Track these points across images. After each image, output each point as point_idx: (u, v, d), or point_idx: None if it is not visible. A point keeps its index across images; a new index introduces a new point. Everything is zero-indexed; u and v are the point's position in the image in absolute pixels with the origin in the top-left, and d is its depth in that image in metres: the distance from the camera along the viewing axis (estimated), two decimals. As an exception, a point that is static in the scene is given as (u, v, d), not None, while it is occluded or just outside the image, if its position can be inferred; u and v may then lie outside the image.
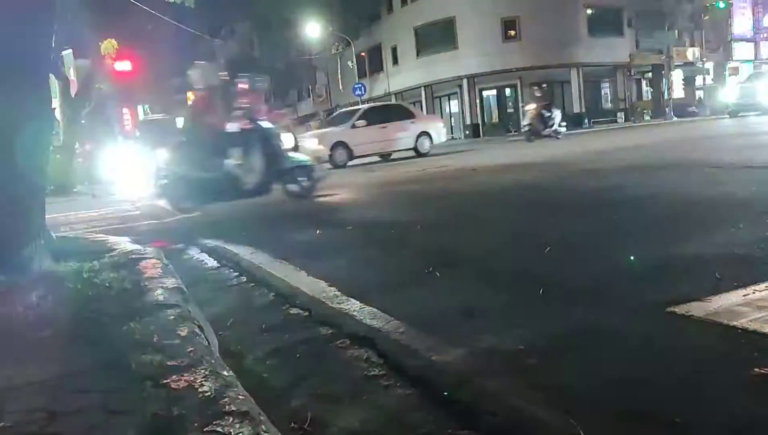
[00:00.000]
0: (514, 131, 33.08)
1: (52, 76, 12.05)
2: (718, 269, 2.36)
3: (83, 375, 1.64)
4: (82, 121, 17.20)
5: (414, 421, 1.51)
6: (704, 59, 38.71)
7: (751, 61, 43.32)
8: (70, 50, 18.43)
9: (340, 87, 41.55)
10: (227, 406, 1.34)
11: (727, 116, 23.13)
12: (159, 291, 2.48)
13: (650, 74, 39.55)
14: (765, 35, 44.14)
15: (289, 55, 44.70)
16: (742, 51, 43.73)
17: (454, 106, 36.95)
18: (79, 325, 2.09)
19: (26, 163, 2.92)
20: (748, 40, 43.81)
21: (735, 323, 1.82)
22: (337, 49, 40.77)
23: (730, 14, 41.68)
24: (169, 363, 1.63)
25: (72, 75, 18.23)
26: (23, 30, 2.90)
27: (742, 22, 43.13)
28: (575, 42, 34.05)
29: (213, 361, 1.66)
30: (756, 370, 1.51)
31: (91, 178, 17.06)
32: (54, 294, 2.47)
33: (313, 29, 36.45)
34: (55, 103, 15.24)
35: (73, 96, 17.13)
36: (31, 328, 2.09)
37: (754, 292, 2.07)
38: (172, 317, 2.08)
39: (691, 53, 39.20)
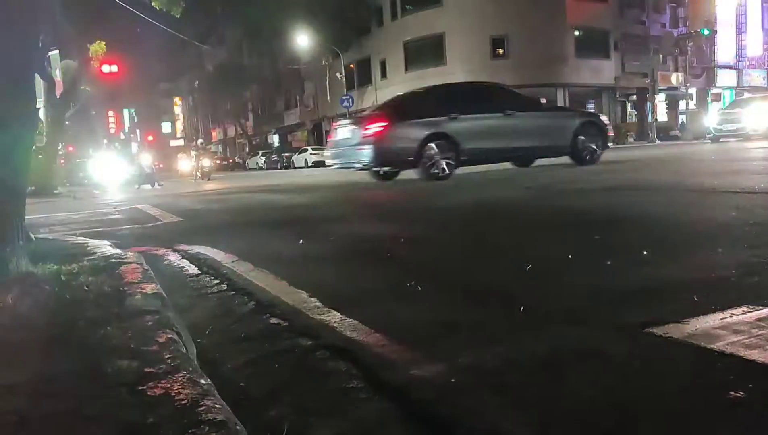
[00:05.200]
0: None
1: (37, 76, 11.94)
2: (696, 292, 2.39)
3: (57, 379, 1.62)
4: (67, 123, 17.06)
5: (391, 435, 1.50)
6: (688, 84, 39.41)
7: (733, 88, 44.16)
8: (57, 51, 18.31)
9: (328, 98, 41.65)
10: (203, 415, 1.33)
11: (709, 141, 23.51)
12: (138, 296, 2.45)
13: (635, 97, 40.16)
14: (747, 63, 45.04)
15: (278, 64, 44.74)
16: (724, 78, 44.58)
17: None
18: (55, 328, 2.06)
19: (7, 163, 2.89)
20: (731, 68, 44.68)
21: (712, 346, 1.84)
22: (327, 60, 40.89)
23: (714, 42, 42.51)
24: (145, 369, 1.61)
25: (58, 75, 18.10)
26: (6, 31, 2.88)
27: (725, 50, 43.98)
28: (562, 62, 34.48)
29: (191, 369, 1.64)
30: (731, 393, 1.53)
31: (73, 180, 16.86)
32: (31, 296, 2.44)
33: (302, 39, 36.54)
34: (40, 103, 15.11)
35: (58, 97, 17.00)
36: (5, 329, 2.06)
37: (731, 316, 2.09)
38: (150, 323, 2.06)
39: (675, 78, 39.90)
